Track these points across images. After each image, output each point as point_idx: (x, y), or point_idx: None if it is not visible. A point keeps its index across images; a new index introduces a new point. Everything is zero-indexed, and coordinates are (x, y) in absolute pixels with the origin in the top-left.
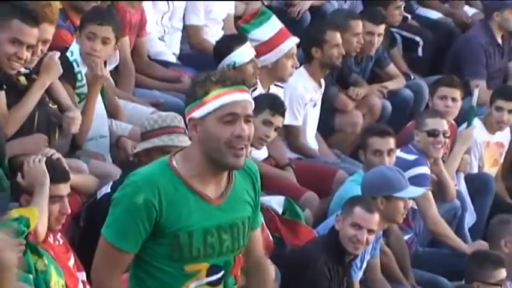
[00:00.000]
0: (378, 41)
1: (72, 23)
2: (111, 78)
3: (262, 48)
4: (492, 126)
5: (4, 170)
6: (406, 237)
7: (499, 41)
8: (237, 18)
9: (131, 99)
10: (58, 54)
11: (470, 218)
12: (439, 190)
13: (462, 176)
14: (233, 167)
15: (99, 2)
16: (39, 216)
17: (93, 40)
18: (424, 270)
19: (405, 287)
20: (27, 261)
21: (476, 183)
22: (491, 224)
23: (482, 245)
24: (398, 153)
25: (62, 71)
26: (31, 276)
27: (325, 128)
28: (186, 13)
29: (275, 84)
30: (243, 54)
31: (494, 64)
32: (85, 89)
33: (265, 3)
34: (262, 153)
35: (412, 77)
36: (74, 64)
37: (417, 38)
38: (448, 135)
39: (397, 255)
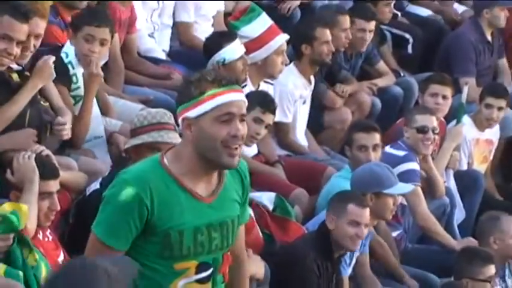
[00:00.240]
0: (369, 37)
1: (62, 19)
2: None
3: (252, 45)
4: (482, 124)
5: None
6: (395, 234)
7: (489, 38)
8: (226, 15)
9: (121, 96)
10: (53, 58)
11: (459, 215)
12: (428, 187)
13: (451, 172)
14: (228, 166)
15: (93, 1)
16: (29, 213)
17: (91, 42)
18: (413, 266)
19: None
20: (17, 256)
21: (466, 180)
22: (481, 221)
23: (471, 241)
24: (388, 149)
25: (55, 75)
26: (21, 273)
27: (315, 125)
28: (175, 10)
29: (265, 81)
30: (233, 51)
31: (484, 61)
32: (80, 91)
33: None
34: (252, 150)
35: (402, 74)
36: (69, 66)
37: (407, 35)
38: (437, 131)
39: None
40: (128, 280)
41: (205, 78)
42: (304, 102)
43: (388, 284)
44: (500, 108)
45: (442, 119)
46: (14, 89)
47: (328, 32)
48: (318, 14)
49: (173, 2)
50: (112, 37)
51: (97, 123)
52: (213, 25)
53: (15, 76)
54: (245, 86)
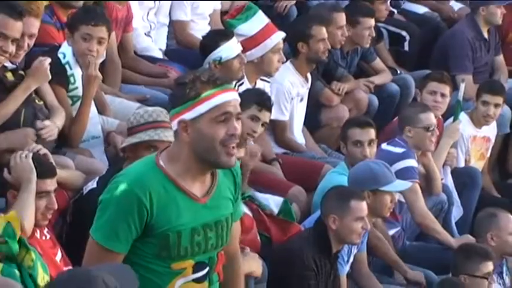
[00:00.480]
0: (370, 33)
1: (58, 19)
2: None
3: (249, 43)
4: (478, 121)
5: None
6: (393, 231)
7: (485, 35)
8: (223, 13)
9: (118, 95)
10: (49, 60)
11: (457, 212)
12: (426, 183)
13: (449, 169)
14: (226, 166)
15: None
16: (25, 212)
17: (89, 41)
18: (411, 264)
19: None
20: (12, 254)
21: (463, 177)
22: (478, 218)
23: (469, 239)
24: (385, 146)
25: (50, 77)
26: (17, 272)
27: (312, 123)
28: (172, 8)
29: (261, 79)
30: (229, 49)
31: (481, 58)
32: (78, 92)
33: None
34: None
35: (399, 72)
36: (67, 67)
37: (403, 33)
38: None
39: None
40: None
41: (199, 80)
42: (301, 100)
43: (386, 281)
44: (497, 105)
45: (440, 117)
46: (8, 88)
47: (324, 29)
48: (313, 12)
49: (170, 1)
50: (109, 36)
51: (94, 123)
52: (209, 23)
53: (9, 75)
54: (242, 84)
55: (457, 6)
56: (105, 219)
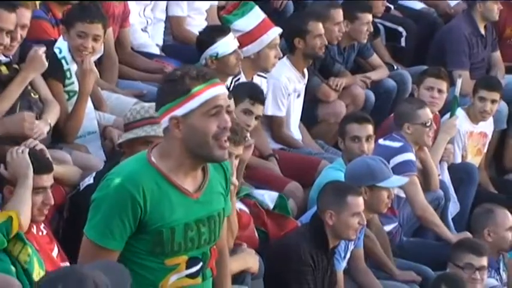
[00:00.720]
0: (368, 28)
1: (54, 15)
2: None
3: (245, 39)
4: (475, 117)
5: None
6: (390, 227)
7: (482, 31)
8: (220, 8)
9: (114, 91)
10: (44, 48)
11: (453, 208)
12: (423, 179)
13: (445, 165)
14: (219, 159)
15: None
16: (22, 207)
17: (84, 38)
18: (408, 260)
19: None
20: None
21: (460, 173)
22: (475, 214)
23: (467, 236)
24: (382, 141)
25: (46, 65)
26: (13, 268)
27: (309, 119)
28: (168, 4)
29: (258, 75)
30: (226, 45)
31: (477, 54)
32: (74, 87)
33: None
34: None
35: (395, 68)
36: (63, 61)
37: (400, 29)
38: None
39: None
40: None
41: (188, 75)
42: (298, 96)
43: (383, 276)
44: (493, 101)
45: (436, 112)
46: (3, 81)
47: (320, 25)
48: (310, 8)
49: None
50: (105, 32)
51: (90, 118)
52: (206, 19)
53: (3, 69)
54: (239, 79)
55: (453, 2)
56: (99, 217)
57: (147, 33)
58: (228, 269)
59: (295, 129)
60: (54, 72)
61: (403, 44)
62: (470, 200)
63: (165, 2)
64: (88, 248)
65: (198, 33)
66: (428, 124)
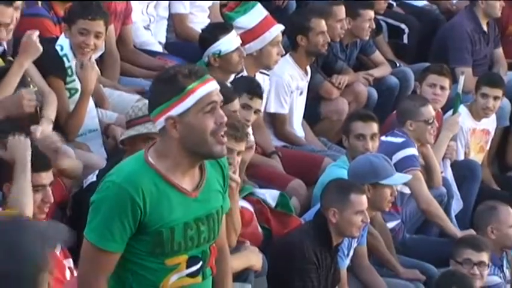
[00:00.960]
0: (370, 25)
1: (55, 13)
2: (95, 66)
3: (247, 36)
4: (478, 113)
5: None
6: (393, 224)
7: (485, 28)
8: (222, 6)
9: (116, 88)
10: (37, 33)
11: (457, 205)
12: (426, 176)
13: (448, 162)
14: (218, 155)
15: None
16: (24, 198)
17: (86, 35)
18: (411, 257)
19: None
20: None
21: (463, 170)
22: (478, 211)
23: (472, 233)
24: (385, 138)
25: (41, 49)
26: None
27: (311, 116)
28: (171, 1)
29: (261, 72)
30: (229, 42)
31: (480, 51)
32: (75, 84)
33: None
34: None
35: (398, 65)
36: (64, 59)
37: (402, 26)
38: None
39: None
40: (60, 238)
41: (181, 74)
42: (300, 93)
43: (387, 274)
44: (496, 98)
45: (439, 110)
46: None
47: (323, 22)
48: (312, 5)
49: None
50: (107, 29)
51: (91, 116)
52: (209, 16)
53: None
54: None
55: None
56: (98, 219)
57: (149, 31)
58: (228, 266)
59: (298, 127)
60: (56, 69)
61: (405, 41)
62: (474, 197)
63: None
64: (88, 251)
65: (200, 31)
66: (430, 121)
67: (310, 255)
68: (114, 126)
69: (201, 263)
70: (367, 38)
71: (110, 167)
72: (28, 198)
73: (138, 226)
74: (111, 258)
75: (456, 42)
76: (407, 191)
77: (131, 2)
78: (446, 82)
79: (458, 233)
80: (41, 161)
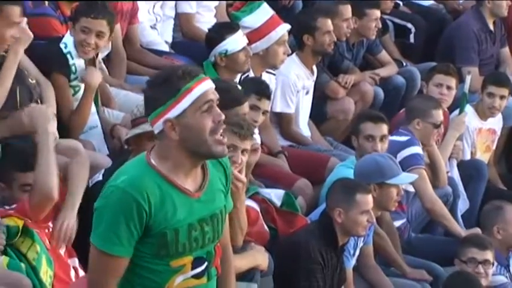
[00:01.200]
0: (377, 24)
1: (62, 13)
2: (103, 65)
3: (254, 36)
4: (484, 113)
5: None
6: (399, 223)
7: (491, 27)
8: (229, 5)
9: (123, 87)
10: (25, 19)
11: (463, 205)
12: (432, 175)
13: (455, 162)
14: (219, 155)
15: None
16: (51, 176)
17: (87, 33)
18: (417, 256)
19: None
20: (17, 249)
21: (469, 170)
22: (484, 211)
23: (477, 231)
24: (390, 137)
25: (32, 35)
26: (23, 265)
27: (318, 115)
28: (177, 1)
29: (267, 71)
30: (235, 42)
31: (486, 51)
32: (79, 82)
33: None
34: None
35: (404, 64)
36: (68, 56)
37: (409, 25)
38: None
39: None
40: None
41: (175, 75)
42: (307, 93)
43: (392, 273)
44: (502, 97)
45: (445, 109)
46: None
47: (329, 21)
48: (319, 4)
49: None
50: (111, 29)
51: (92, 113)
52: (215, 16)
53: None
54: (247, 76)
55: None
56: (104, 225)
57: (156, 30)
58: (232, 265)
59: (304, 126)
60: (59, 66)
61: (412, 40)
62: (480, 196)
63: None
64: (97, 258)
65: (207, 30)
66: (438, 125)
67: (316, 255)
68: (119, 126)
69: (206, 263)
70: (374, 37)
71: (116, 167)
72: (54, 176)
73: (144, 229)
74: (120, 263)
75: (463, 41)
76: (411, 189)
77: (138, 1)
78: (452, 82)
79: (462, 232)
80: (28, 162)
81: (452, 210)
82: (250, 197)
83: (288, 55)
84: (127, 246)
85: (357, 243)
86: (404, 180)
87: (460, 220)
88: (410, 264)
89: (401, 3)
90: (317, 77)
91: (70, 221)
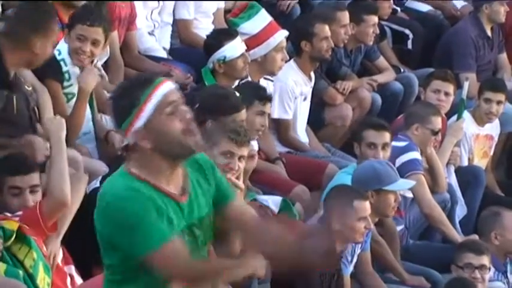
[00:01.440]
0: (374, 30)
1: (60, 20)
2: (103, 71)
3: (252, 42)
4: (481, 119)
5: None
6: (397, 229)
7: (489, 33)
8: (227, 11)
9: None
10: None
11: (461, 211)
12: (431, 180)
13: (452, 168)
14: (193, 147)
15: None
16: (64, 183)
17: (83, 41)
18: (415, 263)
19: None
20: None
21: (467, 176)
22: (482, 217)
23: (475, 238)
24: None
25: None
26: (21, 272)
27: (316, 122)
28: (175, 7)
29: (265, 78)
30: (234, 48)
31: (484, 57)
32: (73, 89)
33: None
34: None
35: (402, 70)
36: (62, 63)
37: (407, 31)
38: None
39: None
40: None
41: (134, 84)
42: (304, 99)
43: (390, 280)
44: (499, 102)
45: (443, 115)
46: None
47: (327, 28)
48: (316, 10)
49: (173, 0)
50: (106, 37)
51: (86, 119)
52: (213, 22)
53: None
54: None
55: (460, 4)
56: (138, 231)
57: (154, 36)
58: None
59: (301, 133)
60: (53, 72)
61: (409, 46)
62: (477, 202)
63: (172, 5)
64: (164, 256)
65: (205, 37)
66: (436, 132)
67: None
68: (113, 132)
69: None
70: (371, 43)
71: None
72: (67, 184)
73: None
74: (180, 244)
75: (460, 47)
76: (409, 194)
77: (136, 8)
78: (450, 88)
79: (460, 238)
80: (21, 164)
81: (450, 216)
82: (247, 204)
83: (286, 61)
84: (166, 229)
85: (355, 250)
86: (402, 186)
87: (458, 226)
88: (408, 270)
89: (399, 9)
90: (315, 83)
91: (53, 248)
